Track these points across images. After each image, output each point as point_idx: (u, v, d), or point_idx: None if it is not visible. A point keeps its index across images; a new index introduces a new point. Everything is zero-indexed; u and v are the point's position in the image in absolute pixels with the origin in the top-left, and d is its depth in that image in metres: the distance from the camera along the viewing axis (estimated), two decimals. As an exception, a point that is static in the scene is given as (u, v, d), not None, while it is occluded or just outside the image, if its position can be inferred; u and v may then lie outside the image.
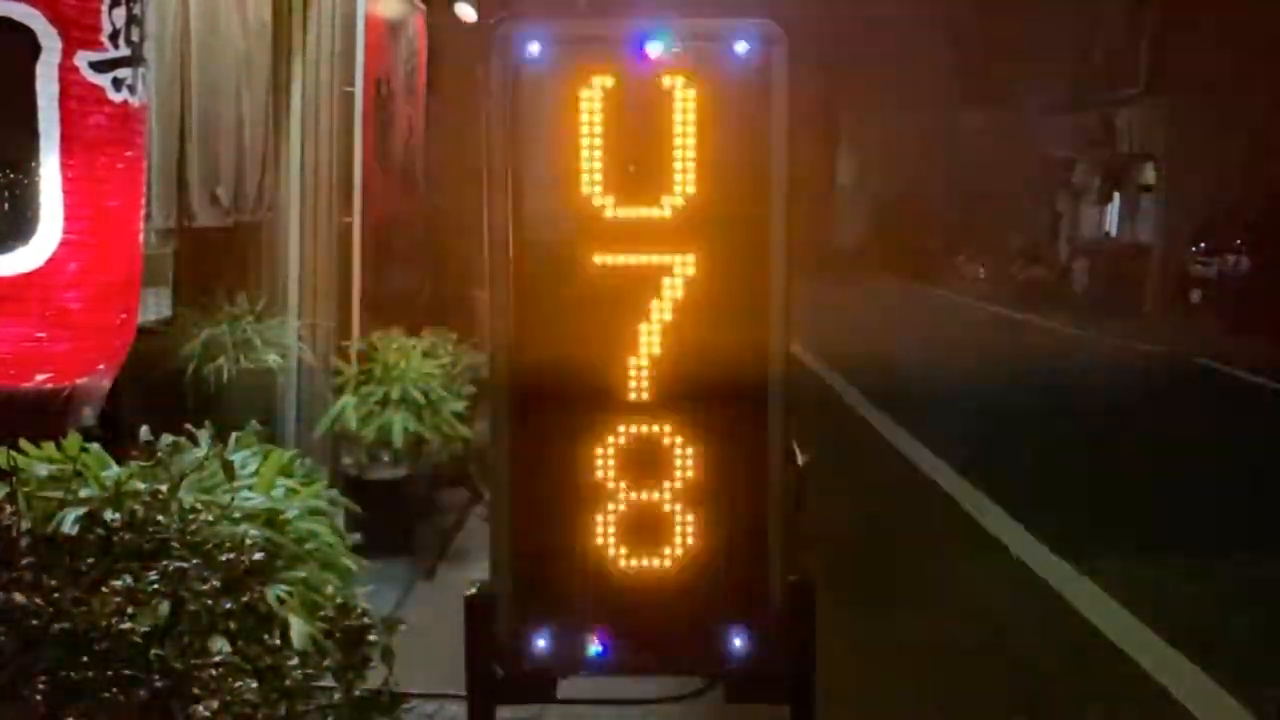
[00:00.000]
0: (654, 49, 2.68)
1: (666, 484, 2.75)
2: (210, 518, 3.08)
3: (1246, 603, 6.18)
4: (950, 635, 5.52)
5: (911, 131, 34.31)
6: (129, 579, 2.62)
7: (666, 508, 2.75)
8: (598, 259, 2.71)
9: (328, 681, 2.92)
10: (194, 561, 2.76)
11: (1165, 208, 24.37)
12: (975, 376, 14.33)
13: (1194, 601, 6.19)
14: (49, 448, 3.22)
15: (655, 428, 2.75)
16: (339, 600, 3.16)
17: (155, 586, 2.64)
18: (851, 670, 4.74)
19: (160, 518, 2.90)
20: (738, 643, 2.75)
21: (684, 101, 2.68)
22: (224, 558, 2.84)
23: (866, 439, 10.29)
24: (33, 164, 2.58)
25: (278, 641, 2.92)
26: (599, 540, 2.76)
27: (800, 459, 2.90)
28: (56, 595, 2.49)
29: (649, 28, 2.71)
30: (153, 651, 2.50)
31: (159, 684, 2.47)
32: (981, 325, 21.22)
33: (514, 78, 2.67)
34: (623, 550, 2.76)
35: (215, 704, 2.52)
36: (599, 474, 2.76)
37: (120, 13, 2.67)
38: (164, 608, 2.64)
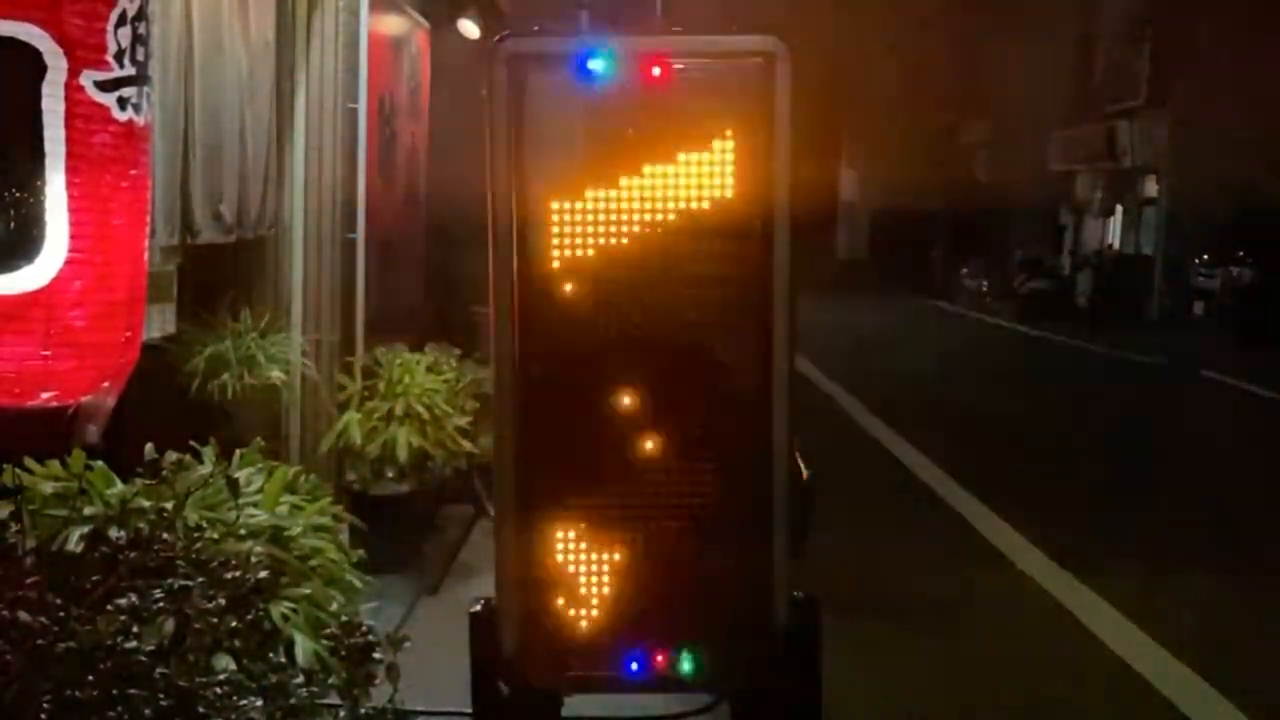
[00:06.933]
0: (657, 63, 2.68)
1: (673, 499, 2.74)
2: (215, 535, 3.08)
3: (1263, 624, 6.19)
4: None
5: (914, 146, 34.36)
6: (134, 597, 2.62)
7: (671, 525, 2.74)
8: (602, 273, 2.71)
9: (333, 699, 2.91)
10: (199, 579, 2.75)
11: (1167, 220, 24.40)
12: (979, 389, 14.33)
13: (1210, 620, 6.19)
14: (54, 465, 3.23)
15: (661, 440, 2.74)
16: (344, 617, 3.16)
17: (160, 604, 2.64)
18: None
19: (165, 535, 2.90)
20: (743, 660, 2.74)
21: (688, 115, 2.68)
22: (229, 575, 2.84)
23: (871, 450, 10.29)
24: (38, 183, 2.59)
25: (283, 659, 2.92)
26: (606, 555, 2.75)
27: (805, 474, 2.89)
28: (61, 613, 2.49)
29: (653, 42, 2.72)
30: (158, 670, 2.49)
31: (164, 702, 2.46)
32: (984, 339, 21.23)
33: (516, 93, 2.67)
34: (629, 565, 2.75)
35: (220, 722, 2.52)
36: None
37: (125, 32, 2.68)
38: (169, 625, 2.63)
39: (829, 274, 26.92)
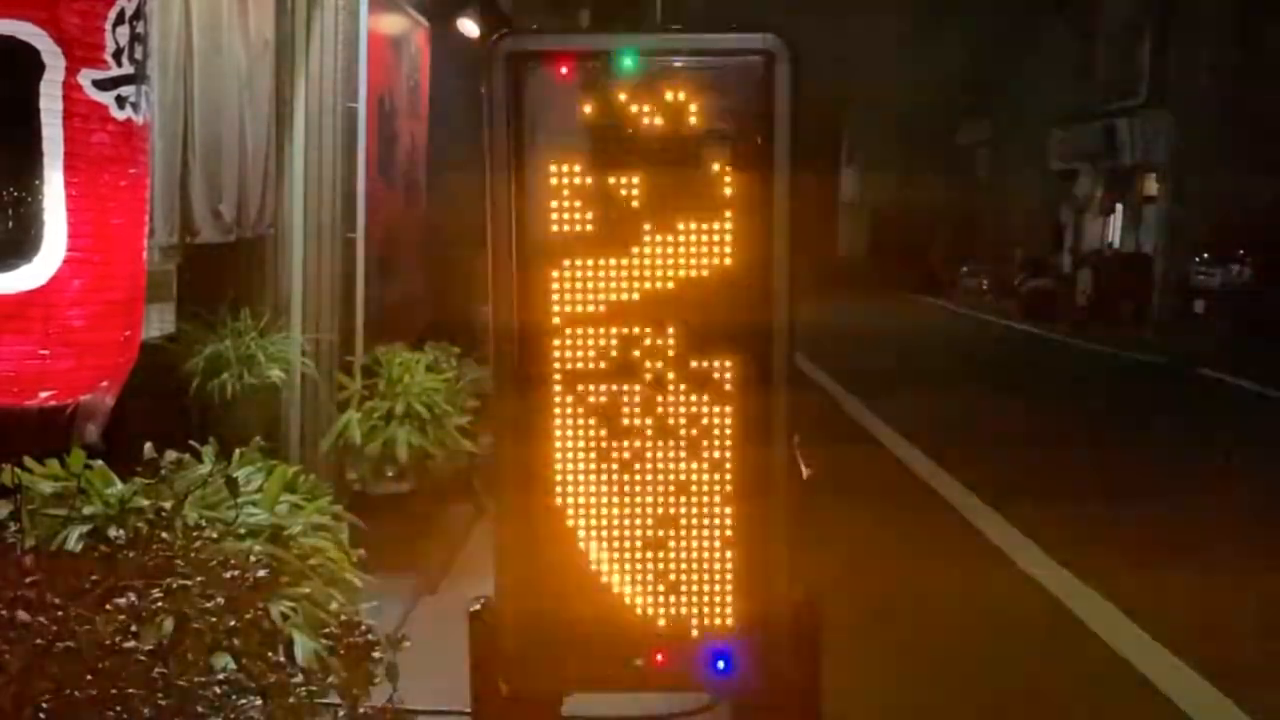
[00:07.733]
0: (657, 63, 2.68)
1: (671, 500, 2.74)
2: (214, 534, 3.07)
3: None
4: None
5: (914, 145, 34.37)
6: (133, 596, 2.62)
7: (671, 527, 2.74)
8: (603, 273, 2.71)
9: (332, 699, 2.90)
10: (198, 579, 2.75)
11: (1167, 218, 24.38)
12: (978, 387, 14.34)
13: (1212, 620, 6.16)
14: (53, 465, 3.22)
15: (660, 443, 2.74)
16: (343, 616, 3.15)
17: (159, 604, 2.63)
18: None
19: (164, 535, 2.89)
20: (744, 659, 2.73)
21: (687, 115, 2.68)
22: (228, 575, 2.83)
23: (870, 448, 10.29)
24: (36, 182, 2.58)
25: (282, 659, 2.91)
26: (604, 555, 2.75)
27: (805, 473, 2.90)
28: (60, 613, 2.48)
29: (653, 42, 2.72)
30: (156, 669, 2.49)
31: (163, 702, 2.46)
32: (984, 337, 21.24)
33: (515, 92, 2.67)
34: (628, 566, 2.75)
35: (219, 721, 2.51)
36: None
37: (124, 31, 2.68)
38: (168, 625, 2.63)
39: (829, 273, 26.89)
